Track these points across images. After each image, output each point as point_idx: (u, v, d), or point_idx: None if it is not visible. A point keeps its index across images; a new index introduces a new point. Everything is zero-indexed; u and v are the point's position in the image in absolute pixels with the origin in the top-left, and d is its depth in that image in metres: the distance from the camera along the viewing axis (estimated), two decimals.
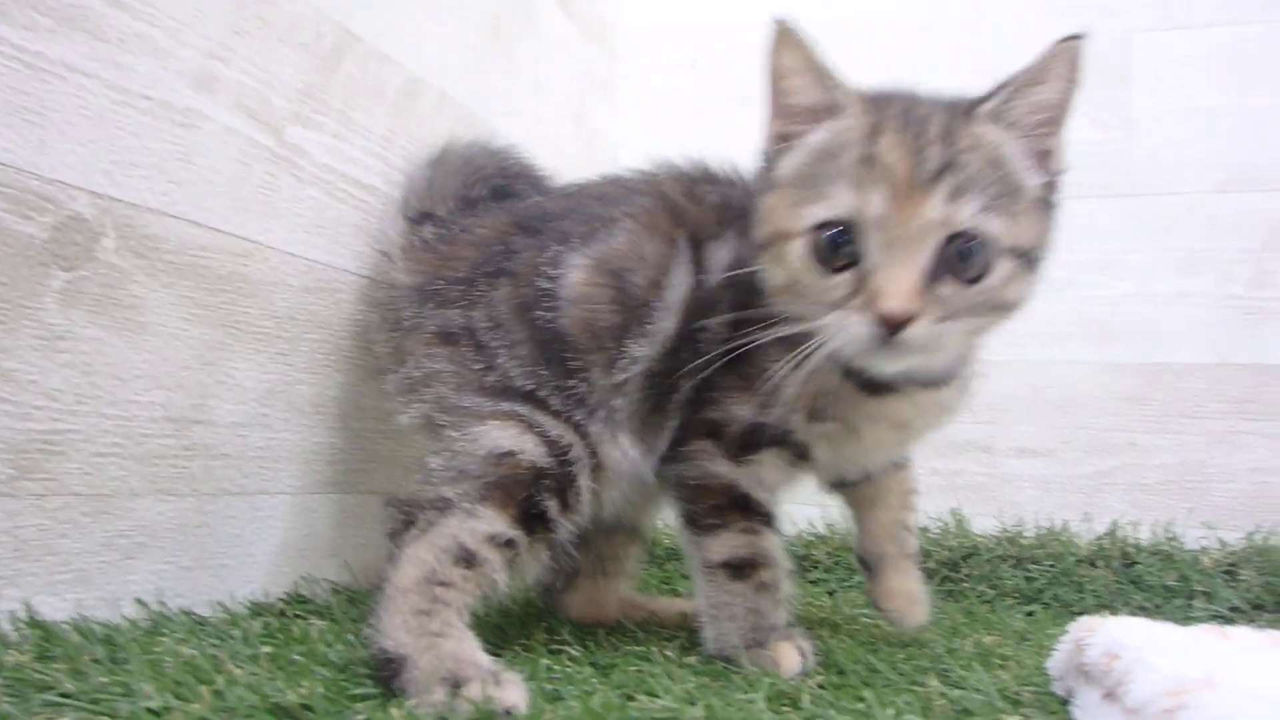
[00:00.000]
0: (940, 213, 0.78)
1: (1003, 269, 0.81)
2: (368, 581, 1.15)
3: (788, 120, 0.89)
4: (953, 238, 0.79)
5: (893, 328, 0.78)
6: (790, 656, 0.88)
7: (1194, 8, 1.66)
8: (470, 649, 0.76)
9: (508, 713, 0.68)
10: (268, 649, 0.82)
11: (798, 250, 0.84)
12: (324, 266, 1.11)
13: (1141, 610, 1.34)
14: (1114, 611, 1.33)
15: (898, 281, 0.78)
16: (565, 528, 0.89)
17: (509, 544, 0.84)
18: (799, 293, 0.84)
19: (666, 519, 1.21)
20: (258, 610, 0.99)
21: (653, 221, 0.97)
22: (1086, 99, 1.69)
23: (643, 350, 0.93)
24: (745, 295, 0.92)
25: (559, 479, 0.88)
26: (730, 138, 1.93)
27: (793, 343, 0.85)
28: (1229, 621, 1.28)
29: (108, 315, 0.86)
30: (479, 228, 1.03)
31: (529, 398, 0.91)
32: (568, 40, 1.76)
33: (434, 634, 0.76)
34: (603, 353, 0.92)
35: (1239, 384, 1.56)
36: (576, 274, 0.94)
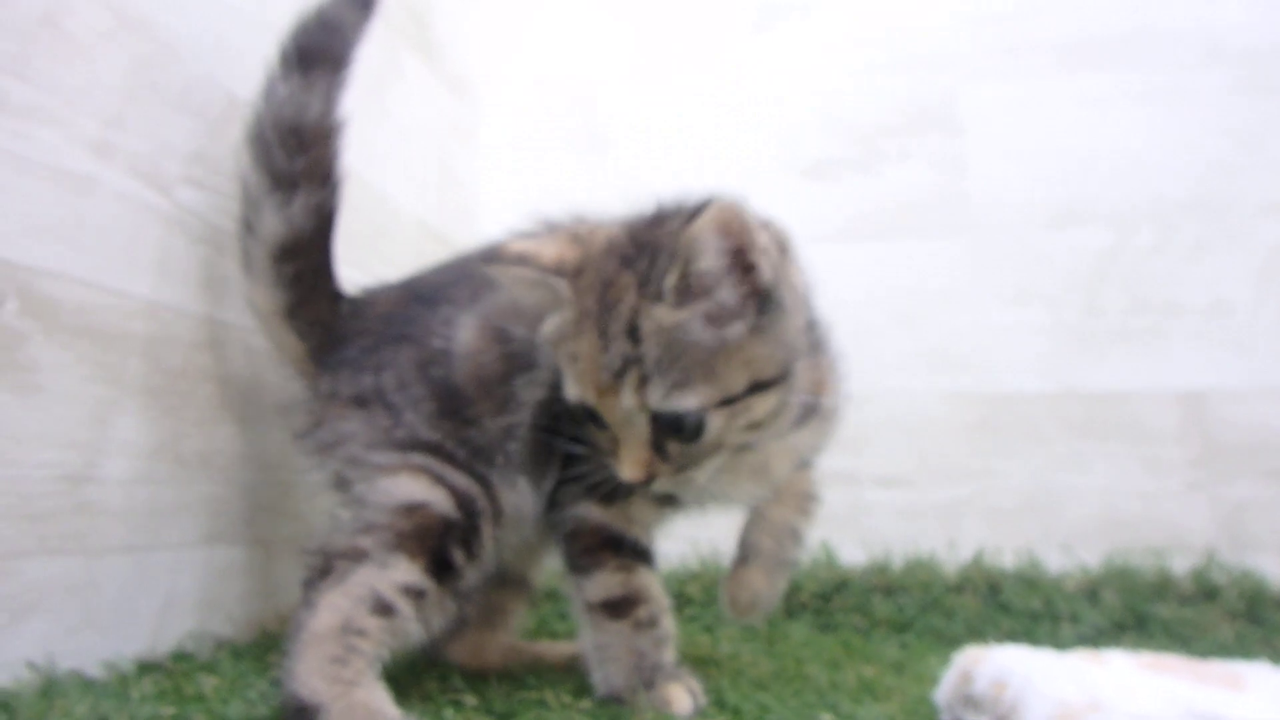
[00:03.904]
0: (633, 402, 0.91)
1: (717, 421, 0.91)
2: (251, 635, 1.22)
3: None
4: (656, 415, 0.91)
5: (642, 484, 0.94)
6: (681, 697, 0.99)
7: (1013, 61, 1.92)
8: (382, 700, 0.86)
9: None
10: (170, 710, 0.89)
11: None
12: (213, 322, 1.18)
13: (1010, 636, 1.50)
14: (984, 638, 1.49)
15: (630, 457, 0.93)
16: (470, 576, 0.99)
17: (420, 595, 0.94)
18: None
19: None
20: (145, 669, 1.05)
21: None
22: (923, 146, 1.94)
23: (530, 394, 1.05)
24: None
25: (464, 529, 0.99)
26: (589, 180, 2.11)
27: None
28: (1095, 644, 1.46)
29: (5, 377, 0.92)
30: (382, 302, 1.14)
31: (436, 450, 1.02)
32: (432, 91, 1.90)
33: (348, 682, 0.85)
34: (491, 400, 1.04)
35: (1079, 409, 1.79)
36: (466, 332, 1.07)
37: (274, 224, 1.11)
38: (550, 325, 0.97)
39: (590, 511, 1.06)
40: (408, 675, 1.10)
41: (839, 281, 1.92)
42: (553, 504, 1.08)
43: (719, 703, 1.03)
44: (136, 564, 1.08)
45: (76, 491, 1.00)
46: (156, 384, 1.10)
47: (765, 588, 1.14)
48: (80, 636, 1.01)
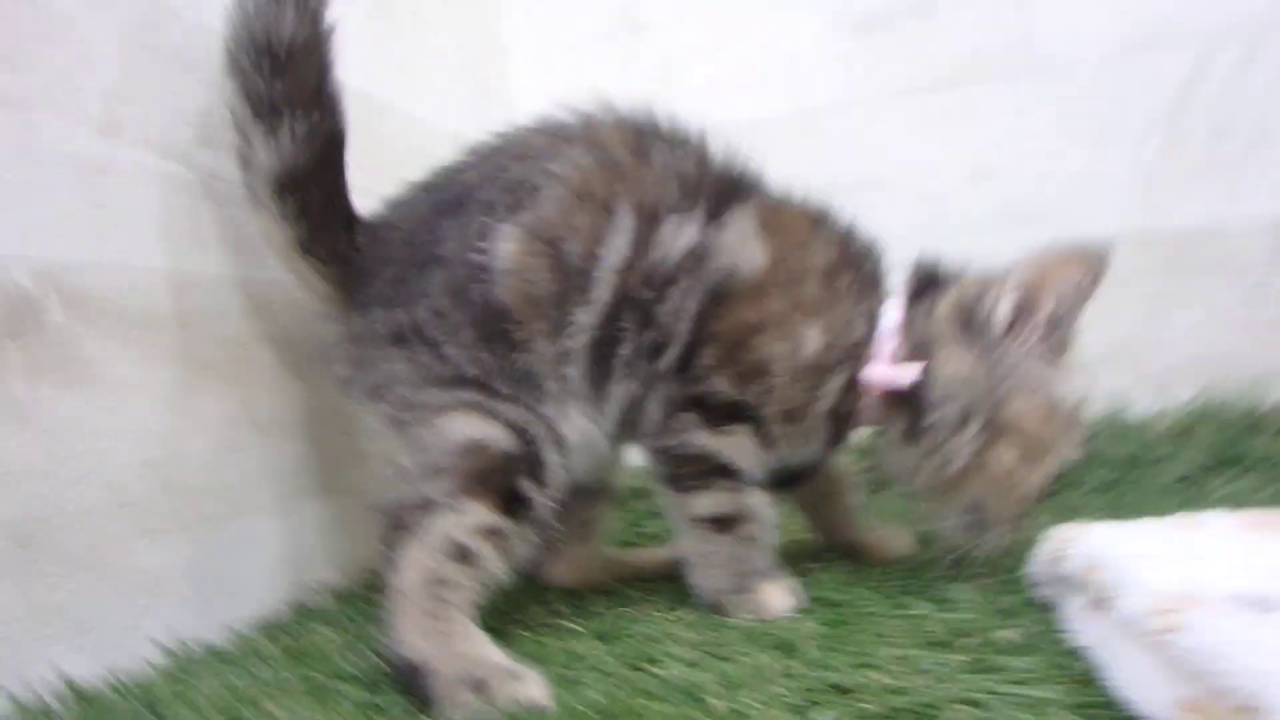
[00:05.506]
0: None
1: None
2: (359, 577, 1.26)
3: (1035, 309, 1.05)
4: None
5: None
6: (778, 596, 1.02)
7: None
8: (484, 647, 0.87)
9: (533, 709, 0.80)
10: (294, 672, 0.93)
11: (1051, 471, 1.04)
12: (257, 283, 1.17)
13: (1102, 487, 1.47)
14: (1077, 490, 1.47)
15: None
16: (543, 504, 0.98)
17: (498, 532, 0.94)
18: (1016, 493, 1.04)
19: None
20: (266, 629, 1.10)
21: (585, 185, 1.03)
22: None
23: (586, 318, 1.01)
24: (721, 282, 1.04)
25: (528, 459, 0.97)
26: (624, 66, 1.99)
27: (804, 362, 1.04)
28: (1191, 483, 1.43)
29: (68, 379, 0.93)
30: (403, 221, 1.07)
31: (479, 385, 0.98)
32: None
33: (448, 636, 0.87)
34: (546, 320, 1.00)
35: (1165, 249, 1.69)
36: (509, 244, 1.00)
37: (265, 157, 1.04)
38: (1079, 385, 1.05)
39: (701, 438, 1.05)
40: (510, 603, 1.11)
41: (900, 142, 1.83)
42: (655, 432, 1.06)
43: (816, 599, 1.03)
44: (236, 531, 1.11)
45: (162, 474, 1.03)
46: (215, 356, 1.10)
47: (890, 531, 1.23)
48: (199, 609, 1.06)
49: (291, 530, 1.20)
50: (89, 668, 0.92)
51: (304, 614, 1.15)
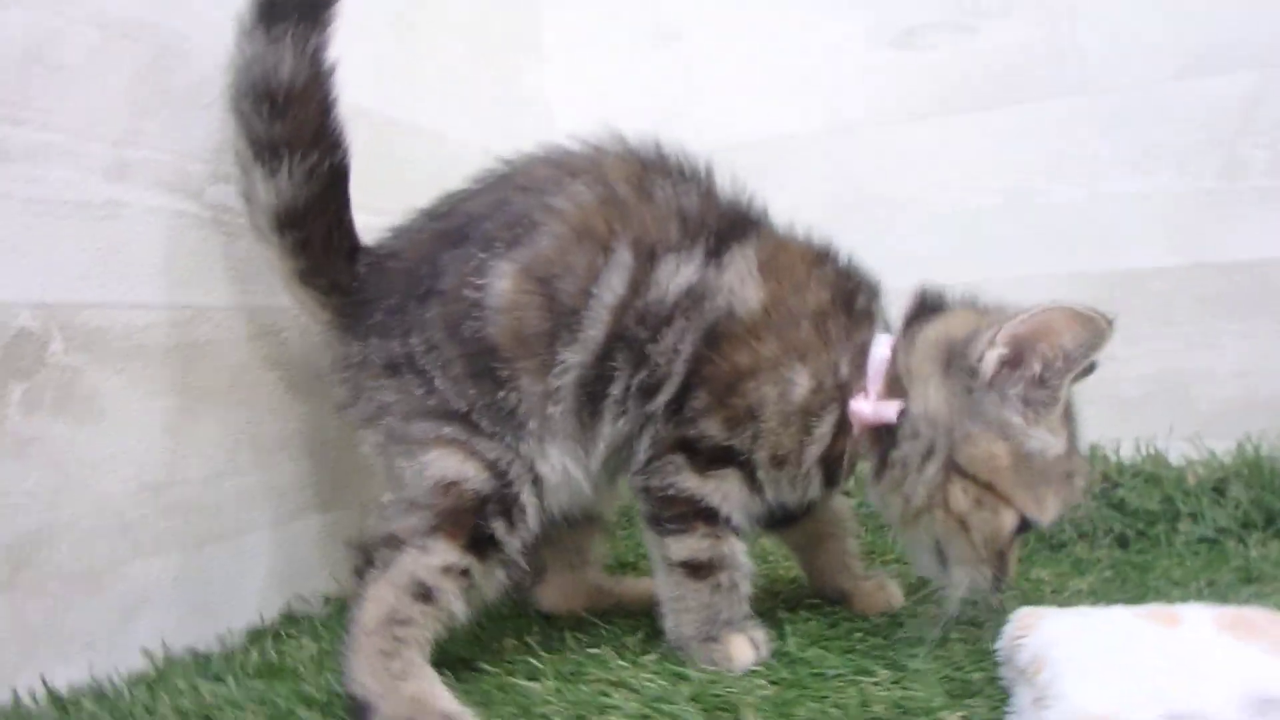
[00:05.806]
0: None
1: None
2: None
3: (1022, 364, 0.99)
4: None
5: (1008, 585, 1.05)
6: (743, 650, 1.02)
7: None
8: (431, 691, 0.90)
9: None
10: (256, 692, 0.98)
11: (1008, 522, 1.01)
12: (266, 309, 1.22)
13: (1122, 541, 1.41)
14: (1091, 540, 1.42)
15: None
16: (514, 545, 1.00)
17: (464, 573, 0.97)
18: (972, 537, 1.01)
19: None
20: (254, 638, 1.16)
21: (584, 222, 1.04)
22: None
23: (576, 357, 1.02)
24: (717, 323, 1.04)
25: (502, 500, 0.99)
26: (657, 76, 1.96)
27: (792, 406, 1.03)
28: (1216, 545, 1.36)
29: (68, 412, 1.00)
30: (406, 251, 1.09)
31: (464, 420, 1.00)
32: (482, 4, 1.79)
33: (396, 676, 0.90)
34: (534, 359, 1.01)
35: (1213, 283, 1.59)
36: (504, 282, 1.02)
37: (265, 195, 1.08)
38: (1041, 439, 1.00)
39: (688, 481, 1.05)
40: (489, 630, 1.15)
41: (939, 161, 1.77)
42: (640, 470, 1.07)
43: (777, 652, 1.04)
44: (234, 548, 1.18)
45: (162, 496, 1.09)
46: (222, 383, 1.16)
47: (881, 585, 1.21)
48: (192, 622, 1.12)
49: (289, 543, 1.25)
50: (72, 674, 0.99)
51: (292, 623, 1.20)
